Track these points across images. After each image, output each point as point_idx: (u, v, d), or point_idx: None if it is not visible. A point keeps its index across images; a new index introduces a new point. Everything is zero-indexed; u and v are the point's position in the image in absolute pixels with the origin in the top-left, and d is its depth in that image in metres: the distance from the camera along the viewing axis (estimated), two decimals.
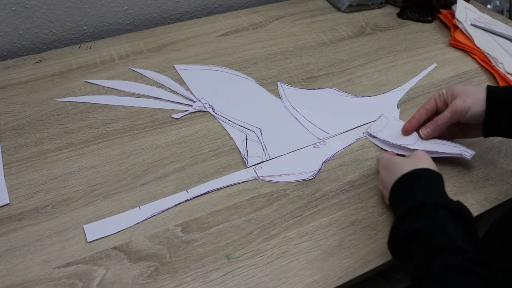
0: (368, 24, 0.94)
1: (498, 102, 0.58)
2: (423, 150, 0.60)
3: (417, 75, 0.80)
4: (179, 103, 0.72)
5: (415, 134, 0.65)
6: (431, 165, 0.54)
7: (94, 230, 0.53)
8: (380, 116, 0.69)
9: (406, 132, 0.64)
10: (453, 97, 0.61)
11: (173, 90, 0.74)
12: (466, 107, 0.58)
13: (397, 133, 0.66)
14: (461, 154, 0.61)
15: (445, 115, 0.61)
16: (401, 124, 0.67)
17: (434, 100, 0.63)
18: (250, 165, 0.62)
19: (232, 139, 0.66)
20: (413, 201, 0.48)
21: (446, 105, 0.62)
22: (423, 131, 0.63)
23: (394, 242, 0.48)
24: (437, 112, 0.63)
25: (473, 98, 0.59)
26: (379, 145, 0.66)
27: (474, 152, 0.61)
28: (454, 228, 0.45)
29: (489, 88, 0.59)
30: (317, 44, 0.87)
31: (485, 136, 0.60)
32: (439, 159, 0.63)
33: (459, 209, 0.47)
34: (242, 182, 0.59)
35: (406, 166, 0.53)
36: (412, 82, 0.78)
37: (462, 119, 0.60)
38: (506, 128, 0.58)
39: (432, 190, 0.50)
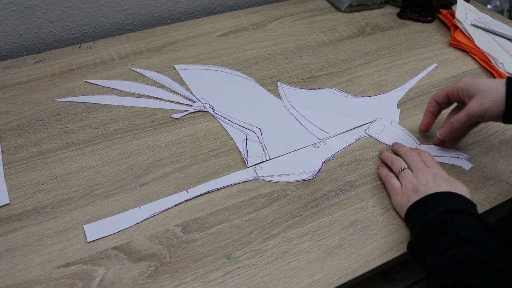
0: (368, 24, 0.94)
1: None
2: None
3: (417, 75, 0.80)
4: (179, 103, 0.72)
5: (413, 141, 0.66)
6: (467, 194, 0.53)
7: (94, 230, 0.53)
8: (376, 120, 0.69)
9: (425, 127, 0.65)
10: (469, 96, 0.58)
11: (173, 90, 0.74)
12: (484, 110, 0.56)
13: (396, 138, 0.66)
14: (458, 156, 0.64)
15: (462, 118, 0.58)
16: (397, 129, 0.68)
17: (446, 95, 0.61)
18: (250, 165, 0.62)
19: (232, 139, 0.66)
20: (451, 206, 0.49)
21: (461, 100, 0.60)
22: (440, 131, 0.62)
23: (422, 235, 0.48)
24: (449, 102, 0.62)
25: (490, 99, 0.55)
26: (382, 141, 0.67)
27: (469, 162, 0.63)
28: (482, 230, 0.46)
29: (509, 84, 0.55)
30: (317, 44, 0.87)
31: (505, 123, 0.58)
32: (439, 162, 0.63)
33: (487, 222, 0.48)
34: (242, 182, 0.59)
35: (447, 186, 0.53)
36: (412, 82, 0.78)
37: (480, 120, 0.58)
38: None
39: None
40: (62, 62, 0.78)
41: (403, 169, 0.57)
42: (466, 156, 0.64)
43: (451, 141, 0.64)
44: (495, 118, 0.57)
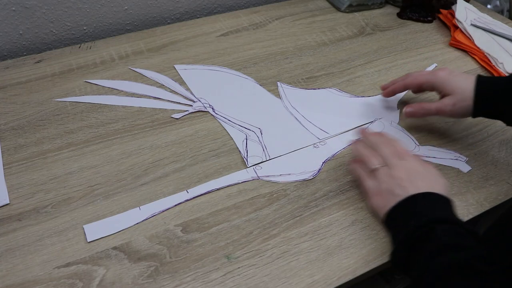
0: (368, 24, 0.94)
1: (486, 104, 0.59)
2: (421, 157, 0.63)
3: None
4: (179, 103, 0.72)
5: (412, 141, 0.66)
6: (444, 188, 0.53)
7: (94, 230, 0.53)
8: (375, 120, 0.69)
9: (384, 89, 0.69)
10: (444, 94, 0.62)
11: (173, 90, 0.74)
12: (455, 111, 0.61)
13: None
14: (456, 159, 0.64)
15: (432, 110, 0.63)
16: (397, 130, 0.68)
17: (420, 86, 0.65)
18: (250, 165, 0.62)
19: (232, 139, 0.66)
20: (431, 216, 0.48)
21: (433, 90, 0.64)
22: (406, 109, 0.65)
23: (404, 246, 0.47)
24: (419, 91, 0.68)
25: (463, 102, 0.60)
26: None
27: (469, 162, 0.64)
28: (464, 236, 0.46)
29: (478, 90, 0.59)
30: (317, 44, 0.87)
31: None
32: (438, 164, 0.63)
33: (467, 226, 0.48)
34: (242, 182, 0.59)
35: (425, 184, 0.52)
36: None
37: (447, 116, 0.63)
38: (492, 114, 0.61)
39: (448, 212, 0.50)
40: (62, 62, 0.78)
41: (377, 168, 0.54)
42: (465, 158, 0.64)
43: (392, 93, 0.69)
44: (462, 116, 0.62)
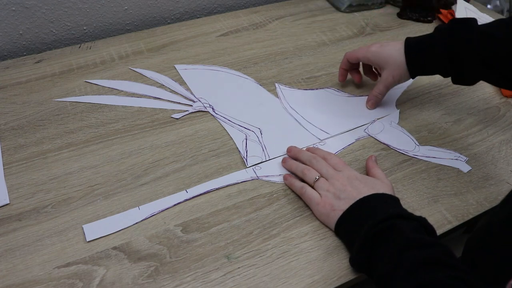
0: (368, 24, 0.94)
1: (419, 65, 0.65)
2: (421, 157, 0.64)
3: None
4: (179, 103, 0.72)
5: (412, 141, 0.66)
6: (388, 189, 0.54)
7: (93, 230, 0.53)
8: (375, 120, 0.69)
9: (342, 81, 0.75)
10: (380, 67, 0.68)
11: (173, 90, 0.74)
12: (396, 80, 0.67)
13: (396, 139, 0.66)
14: (456, 159, 0.64)
15: (382, 90, 0.69)
16: (396, 130, 0.68)
17: (358, 59, 0.71)
18: (249, 165, 0.62)
19: (232, 139, 0.66)
20: (383, 215, 0.48)
21: (370, 62, 0.70)
22: (367, 105, 0.72)
23: (364, 249, 0.48)
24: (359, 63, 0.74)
25: (398, 70, 0.66)
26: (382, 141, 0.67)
27: (469, 162, 0.64)
28: (423, 232, 0.48)
29: (407, 54, 0.65)
30: (317, 44, 0.87)
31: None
32: (438, 164, 0.63)
33: (425, 221, 0.49)
34: (241, 182, 0.59)
35: (367, 190, 0.53)
36: (410, 81, 0.78)
37: (395, 85, 0.69)
38: (428, 73, 0.67)
39: (396, 208, 0.51)
40: (62, 62, 0.78)
41: (318, 178, 0.56)
42: (465, 158, 0.64)
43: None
44: (404, 81, 0.68)
